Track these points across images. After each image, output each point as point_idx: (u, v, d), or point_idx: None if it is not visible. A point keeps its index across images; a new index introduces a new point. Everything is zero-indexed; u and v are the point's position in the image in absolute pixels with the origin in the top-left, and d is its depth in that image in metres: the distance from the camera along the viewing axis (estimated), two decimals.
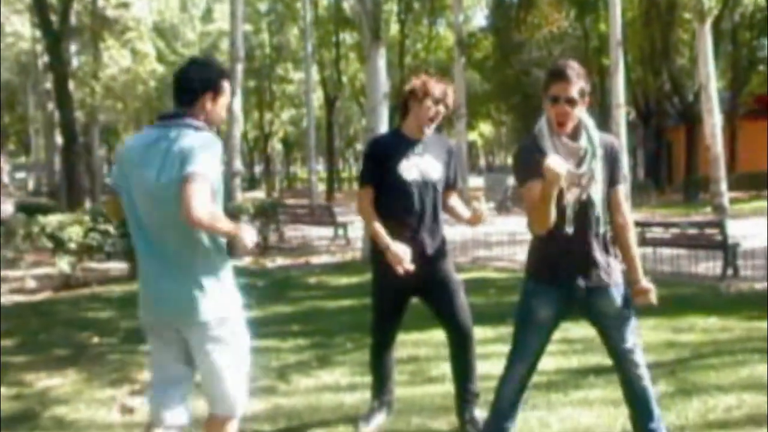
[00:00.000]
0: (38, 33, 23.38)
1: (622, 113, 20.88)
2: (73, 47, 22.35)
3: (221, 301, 2.97)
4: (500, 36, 31.85)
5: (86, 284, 10.40)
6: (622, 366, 3.56)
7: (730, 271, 9.48)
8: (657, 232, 10.31)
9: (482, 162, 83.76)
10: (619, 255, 3.48)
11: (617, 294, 3.43)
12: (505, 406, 3.60)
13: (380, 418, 4.40)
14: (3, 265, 10.11)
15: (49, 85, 23.60)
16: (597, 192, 3.36)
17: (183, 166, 2.78)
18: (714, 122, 18.45)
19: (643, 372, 3.57)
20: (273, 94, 44.87)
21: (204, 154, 2.82)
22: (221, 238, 2.96)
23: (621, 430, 4.08)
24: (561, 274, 3.40)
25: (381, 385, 4.47)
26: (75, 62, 23.87)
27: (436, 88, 4.08)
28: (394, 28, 36.26)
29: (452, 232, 15.18)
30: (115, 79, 34.18)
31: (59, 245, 10.39)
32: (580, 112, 3.33)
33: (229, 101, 3.17)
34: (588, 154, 3.34)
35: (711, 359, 5.54)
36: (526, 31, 30.12)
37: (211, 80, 3.02)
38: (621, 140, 20.96)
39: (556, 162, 3.03)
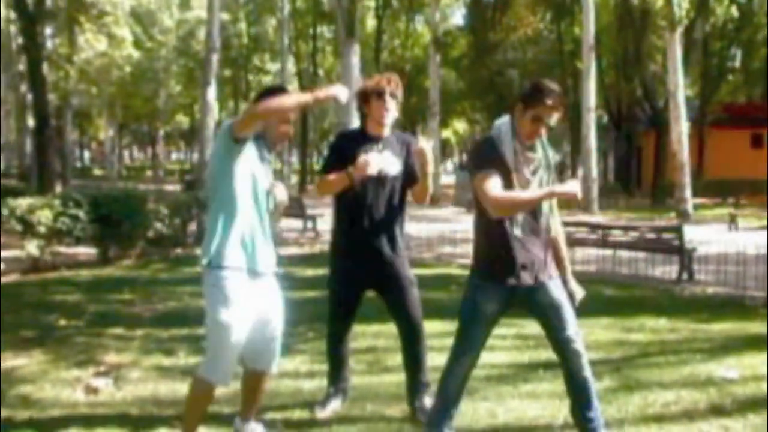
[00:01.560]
0: (12, 14, 23.16)
1: (592, 117, 21.31)
2: (48, 30, 22.22)
3: None
4: (476, 35, 32.15)
5: (55, 268, 10.46)
6: (564, 355, 3.78)
7: (685, 275, 9.79)
8: (617, 235, 10.60)
9: (456, 159, 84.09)
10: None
11: (554, 287, 3.67)
12: (451, 395, 3.82)
13: (336, 404, 4.59)
14: None
15: (22, 66, 23.44)
16: (547, 200, 3.61)
17: None
18: (680, 129, 18.88)
19: (584, 362, 3.79)
20: (249, 84, 44.82)
21: None
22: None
23: (563, 422, 4.29)
24: (506, 271, 3.62)
25: (337, 373, 4.66)
26: (50, 45, 23.72)
27: (385, 85, 4.26)
28: (372, 24, 36.40)
29: (418, 228, 15.51)
30: (90, 64, 33.98)
31: (28, 228, 10.43)
32: None
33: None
34: (542, 165, 3.60)
35: (656, 358, 5.81)
36: (501, 31, 30.43)
37: None
38: (590, 143, 21.37)
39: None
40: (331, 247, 4.60)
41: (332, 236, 4.61)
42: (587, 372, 3.80)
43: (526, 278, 3.62)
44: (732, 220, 17.42)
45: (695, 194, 20.57)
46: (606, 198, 25.12)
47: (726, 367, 5.41)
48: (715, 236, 14.50)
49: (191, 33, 44.63)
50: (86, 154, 67.95)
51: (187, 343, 6.15)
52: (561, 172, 22.96)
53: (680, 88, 18.70)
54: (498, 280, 3.64)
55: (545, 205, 3.66)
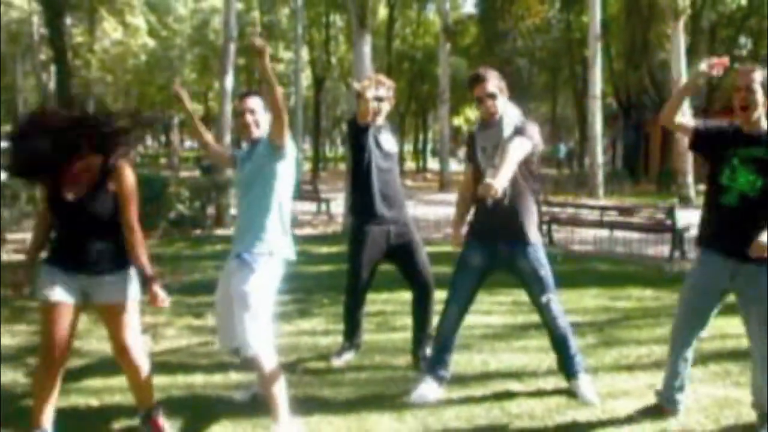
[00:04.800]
0: (34, 4, 23.80)
1: (598, 104, 21.80)
2: (68, 20, 22.88)
3: None
4: (485, 24, 32.63)
5: None
6: (544, 315, 4.47)
7: (677, 254, 10.37)
8: (612, 215, 11.21)
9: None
10: (536, 217, 4.40)
11: (533, 252, 4.32)
12: (444, 339, 4.50)
13: (349, 356, 5.26)
14: (7, 226, 10.81)
15: (43, 56, 24.12)
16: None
17: None
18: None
19: (561, 322, 4.47)
20: None
21: None
22: None
23: (546, 369, 4.93)
24: (488, 234, 4.30)
25: (352, 331, 5.32)
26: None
27: (374, 90, 4.81)
28: (384, 13, 36.83)
29: (426, 211, 16.12)
30: (107, 52, 34.68)
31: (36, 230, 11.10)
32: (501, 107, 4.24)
33: None
34: (497, 140, 4.22)
35: (636, 321, 6.44)
36: (511, 20, 30.91)
37: None
38: (596, 129, 21.88)
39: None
40: (354, 222, 5.14)
41: (353, 204, 5.20)
42: (564, 330, 4.48)
43: (501, 240, 4.28)
44: None
45: (700, 181, 21.05)
46: (612, 184, 25.61)
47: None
48: None
49: (205, 22, 45.14)
50: None
51: (214, 308, 6.80)
52: (570, 159, 23.50)
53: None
54: (479, 239, 4.33)
55: (518, 175, 4.21)
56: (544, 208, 11.55)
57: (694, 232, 11.10)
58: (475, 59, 35.84)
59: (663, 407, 4.14)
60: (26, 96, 41.36)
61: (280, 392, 3.81)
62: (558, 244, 11.54)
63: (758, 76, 3.68)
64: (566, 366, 4.54)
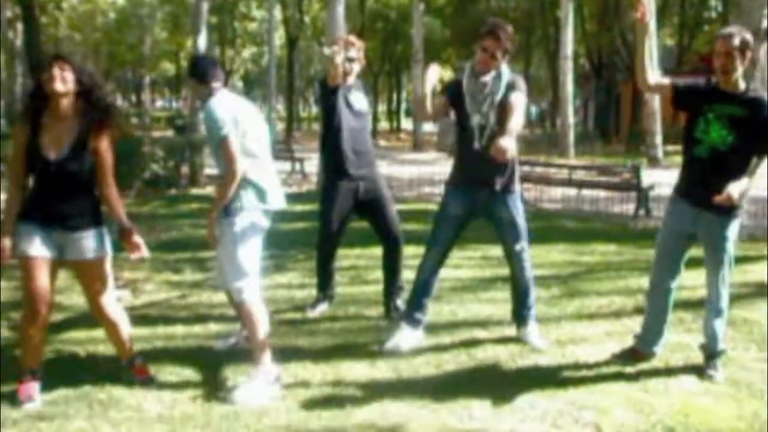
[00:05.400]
0: None
1: (569, 65, 22.00)
2: None
3: None
4: None
5: None
6: (511, 262, 4.73)
7: (642, 212, 10.69)
8: (580, 175, 11.49)
9: None
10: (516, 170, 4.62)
11: (512, 202, 4.54)
12: (423, 284, 4.74)
13: (323, 307, 5.48)
14: None
15: (10, 13, 23.70)
16: (492, 117, 4.44)
17: None
18: None
19: (528, 272, 4.73)
20: (235, 31, 44.89)
21: None
22: None
23: (511, 319, 5.18)
24: (470, 180, 4.52)
25: (325, 283, 5.53)
26: None
27: (343, 54, 5.00)
28: None
29: (400, 171, 16.33)
30: (75, 10, 34.10)
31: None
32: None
33: None
34: (490, 90, 4.44)
35: (599, 274, 6.74)
36: None
37: None
38: (567, 90, 22.09)
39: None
40: (325, 178, 5.39)
41: (324, 163, 5.40)
42: (528, 278, 4.74)
43: (483, 187, 4.49)
44: None
45: (669, 141, 21.39)
46: (584, 144, 25.94)
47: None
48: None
49: None
50: None
51: (192, 263, 7.01)
52: (542, 119, 23.77)
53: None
54: (461, 185, 4.54)
55: (492, 119, 4.45)
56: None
57: (659, 191, 11.45)
58: (448, 19, 35.84)
59: (639, 351, 4.40)
60: None
61: (264, 337, 4.03)
62: (528, 202, 11.80)
63: (736, 40, 3.91)
64: (520, 314, 4.81)
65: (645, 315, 4.48)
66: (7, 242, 3.73)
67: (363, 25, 34.68)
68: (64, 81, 3.63)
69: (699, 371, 4.25)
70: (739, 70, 3.96)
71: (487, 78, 4.46)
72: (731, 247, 4.15)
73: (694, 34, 31.96)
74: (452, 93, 4.58)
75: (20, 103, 25.61)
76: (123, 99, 64.96)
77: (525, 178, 12.02)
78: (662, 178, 11.58)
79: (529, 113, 39.81)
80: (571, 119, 22.52)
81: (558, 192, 12.24)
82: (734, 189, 3.83)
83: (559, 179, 11.81)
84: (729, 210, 4.03)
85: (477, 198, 4.57)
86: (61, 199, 3.73)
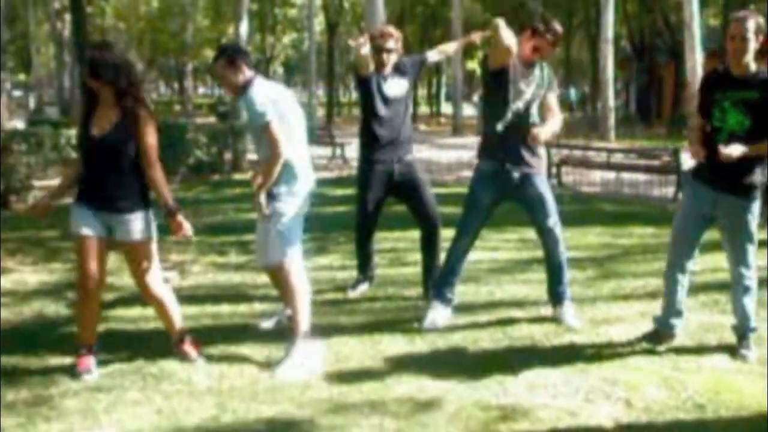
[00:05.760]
0: None
1: (609, 48, 21.81)
2: None
3: None
4: None
5: None
6: (544, 240, 4.85)
7: (681, 195, 10.63)
8: (619, 158, 11.48)
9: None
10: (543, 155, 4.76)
11: (540, 182, 4.69)
12: (453, 263, 4.91)
13: (364, 288, 5.66)
14: (33, 173, 11.12)
15: (57, 5, 24.25)
16: (534, 107, 4.69)
17: None
18: (695, 59, 19.33)
19: (560, 248, 4.84)
20: (275, 17, 45.20)
21: None
22: None
23: (547, 299, 5.30)
24: (503, 159, 4.68)
25: (364, 264, 5.71)
26: None
27: (383, 41, 5.21)
28: None
29: (439, 155, 16.41)
30: (119, 0, 34.69)
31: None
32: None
33: None
34: (536, 82, 4.67)
35: (635, 256, 6.80)
36: None
37: None
38: (608, 73, 21.93)
39: None
40: (361, 162, 5.54)
41: (361, 148, 5.56)
42: (561, 255, 4.86)
43: (514, 167, 4.63)
44: None
45: None
46: (625, 127, 25.72)
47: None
48: None
49: None
50: None
51: (236, 246, 7.24)
52: (583, 102, 23.65)
53: (695, 18, 19.01)
54: (492, 164, 4.69)
55: (534, 111, 4.69)
56: (554, 150, 11.84)
57: None
58: (488, 2, 35.62)
59: (660, 332, 4.49)
60: (39, 44, 41.39)
61: (306, 312, 4.26)
62: (567, 185, 11.85)
63: (751, 24, 3.96)
64: (555, 292, 4.93)
65: (664, 297, 4.53)
66: (45, 201, 4.18)
67: (403, 10, 34.70)
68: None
69: (731, 351, 4.32)
70: (751, 53, 4.02)
71: (536, 71, 4.68)
72: (754, 228, 4.22)
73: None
74: (501, 71, 4.65)
75: (69, 92, 26.29)
76: (166, 86, 65.82)
77: (563, 162, 12.07)
78: None
79: (568, 96, 39.59)
80: (612, 102, 22.36)
81: (598, 175, 12.24)
82: (735, 150, 3.92)
83: (597, 163, 11.80)
84: (748, 192, 4.11)
85: (506, 181, 4.70)
86: (106, 180, 3.96)
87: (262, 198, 4.19)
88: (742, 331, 4.33)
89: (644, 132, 26.71)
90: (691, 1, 19.08)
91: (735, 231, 4.22)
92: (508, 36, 4.48)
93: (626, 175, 11.72)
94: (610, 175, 11.96)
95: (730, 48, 4.04)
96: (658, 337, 4.48)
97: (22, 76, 51.59)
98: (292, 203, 4.25)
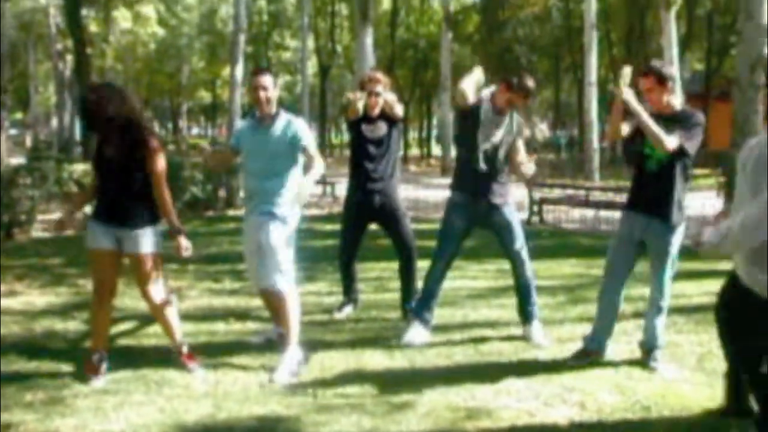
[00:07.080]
0: None
1: (593, 90, 22.51)
2: (83, 11, 23.66)
3: None
4: (486, 13, 33.33)
5: None
6: (513, 263, 5.32)
7: None
8: (597, 197, 12.01)
9: None
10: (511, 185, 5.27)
11: (508, 211, 5.18)
12: (430, 287, 5.36)
13: (348, 310, 6.12)
14: (36, 206, 11.50)
15: (60, 46, 24.90)
16: (502, 151, 5.19)
17: None
18: (678, 102, 20.05)
19: (527, 270, 5.32)
20: (270, 60, 46.14)
21: None
22: None
23: (518, 321, 5.73)
24: (474, 192, 5.20)
25: (348, 287, 6.18)
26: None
27: (372, 85, 5.73)
28: (387, 1, 37.46)
29: (426, 194, 16.78)
30: (118, 41, 35.46)
31: (83, 190, 11.93)
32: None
33: None
34: (504, 128, 5.20)
35: None
36: (509, 10, 31.59)
37: None
38: (592, 115, 22.60)
39: None
40: (347, 195, 6.11)
41: (348, 182, 6.08)
42: (529, 277, 5.32)
43: (483, 199, 5.12)
44: (720, 188, 18.64)
45: (699, 164, 21.72)
46: (612, 168, 26.34)
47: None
48: (701, 201, 15.78)
49: (213, 11, 45.92)
50: None
51: (230, 274, 7.68)
52: (571, 145, 24.24)
53: (675, 64, 19.80)
54: (464, 196, 5.19)
55: (501, 152, 5.19)
56: (536, 189, 12.37)
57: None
58: (477, 46, 36.57)
59: (590, 350, 4.87)
60: (38, 83, 42.06)
61: (297, 324, 4.73)
62: (548, 222, 12.36)
63: (648, 81, 4.60)
64: (524, 311, 5.40)
65: (595, 317, 4.95)
66: (66, 216, 4.93)
67: (393, 54, 35.52)
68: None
69: (681, 364, 4.78)
70: (667, 96, 4.58)
71: (506, 118, 5.22)
72: (675, 252, 4.67)
73: (722, 58, 32.29)
74: (470, 114, 5.19)
75: (69, 131, 26.82)
76: (161, 126, 66.54)
77: (544, 200, 12.59)
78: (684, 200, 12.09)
79: (557, 139, 40.38)
80: (596, 144, 22.99)
81: (577, 213, 12.77)
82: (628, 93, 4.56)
83: (577, 200, 12.34)
84: (670, 216, 4.56)
85: (477, 210, 5.20)
86: (118, 199, 4.43)
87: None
88: (648, 347, 4.80)
89: (628, 173, 27.30)
90: (671, 47, 19.89)
91: (661, 253, 4.66)
92: (466, 83, 5.07)
93: (604, 213, 12.24)
94: (590, 212, 12.48)
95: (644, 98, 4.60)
96: (586, 354, 4.86)
97: (18, 115, 52.24)
98: (292, 225, 4.80)
